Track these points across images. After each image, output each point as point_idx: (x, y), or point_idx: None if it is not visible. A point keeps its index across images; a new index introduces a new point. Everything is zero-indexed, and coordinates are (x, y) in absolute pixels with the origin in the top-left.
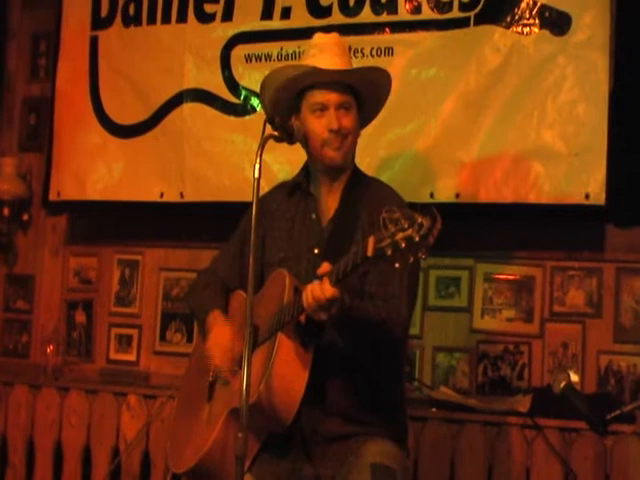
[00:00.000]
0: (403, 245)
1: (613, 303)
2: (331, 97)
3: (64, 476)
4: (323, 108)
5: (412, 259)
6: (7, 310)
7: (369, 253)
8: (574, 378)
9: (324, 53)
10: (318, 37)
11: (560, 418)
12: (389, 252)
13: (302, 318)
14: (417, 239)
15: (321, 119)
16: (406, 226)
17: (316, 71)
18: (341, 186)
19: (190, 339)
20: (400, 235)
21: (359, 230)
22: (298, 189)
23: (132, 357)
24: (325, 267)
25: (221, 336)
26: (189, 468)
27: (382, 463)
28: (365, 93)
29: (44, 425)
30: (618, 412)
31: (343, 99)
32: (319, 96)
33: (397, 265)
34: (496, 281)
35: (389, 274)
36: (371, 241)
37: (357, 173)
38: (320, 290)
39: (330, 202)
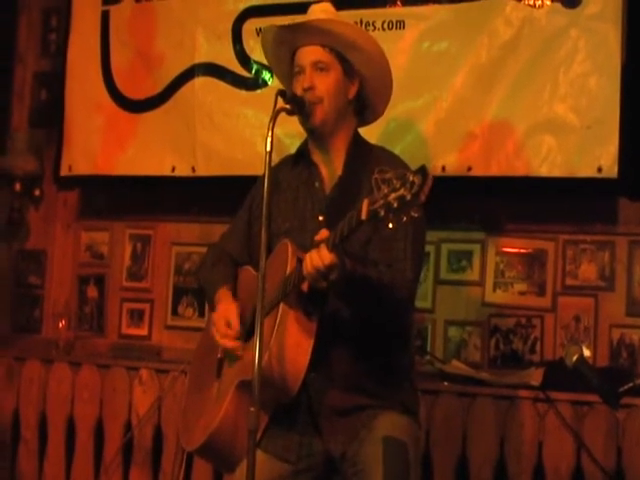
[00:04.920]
0: (395, 205)
1: (625, 276)
2: (305, 56)
3: (76, 451)
4: (301, 70)
5: (405, 218)
6: (19, 285)
7: (363, 216)
8: (586, 352)
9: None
10: (311, 7)
11: (572, 391)
12: (382, 213)
13: (304, 287)
14: (409, 198)
15: (298, 80)
16: (398, 186)
17: (281, 28)
18: (343, 153)
19: (202, 313)
20: (392, 195)
21: (363, 195)
22: (301, 159)
23: (144, 332)
24: (323, 234)
25: (225, 312)
26: (199, 445)
27: (393, 436)
28: (348, 53)
29: (56, 400)
30: (630, 385)
31: (317, 57)
32: (297, 58)
33: (391, 226)
34: (508, 254)
35: (393, 239)
36: (365, 204)
37: (359, 140)
38: (318, 257)
39: (333, 170)
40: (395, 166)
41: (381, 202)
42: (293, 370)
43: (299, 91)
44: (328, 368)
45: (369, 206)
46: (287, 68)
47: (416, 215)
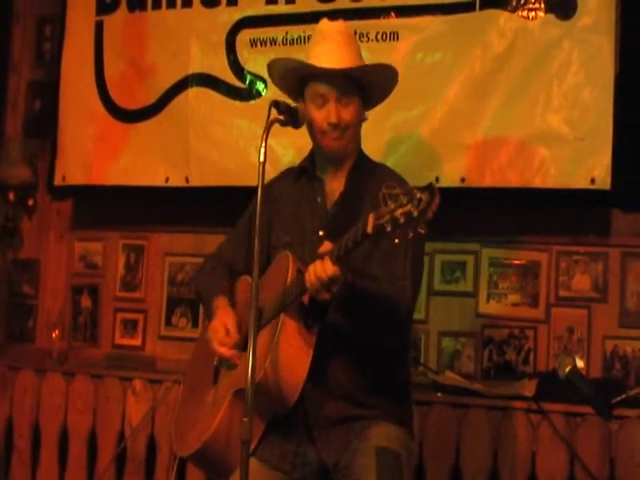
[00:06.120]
0: (402, 220)
1: (619, 288)
2: (330, 89)
3: (70, 461)
4: (323, 100)
5: (411, 234)
6: (13, 295)
7: (369, 230)
8: (579, 363)
9: (328, 42)
10: (323, 24)
11: (565, 402)
12: (388, 228)
13: (305, 299)
14: (416, 214)
15: (321, 110)
16: (405, 202)
17: (317, 68)
18: (346, 170)
19: (195, 324)
20: (399, 211)
21: (364, 212)
22: (304, 174)
23: (137, 342)
24: (326, 246)
25: (224, 321)
26: (194, 451)
27: (387, 447)
28: (370, 88)
29: (50, 410)
30: (623, 396)
31: (342, 92)
32: (320, 88)
33: (396, 240)
34: (501, 266)
35: (393, 256)
36: (371, 218)
37: (362, 158)
38: (321, 268)
39: (335, 186)
40: (398, 184)
41: (387, 217)
42: (291, 381)
43: (324, 125)
44: (325, 379)
45: (375, 220)
46: (291, 82)
47: (423, 231)
